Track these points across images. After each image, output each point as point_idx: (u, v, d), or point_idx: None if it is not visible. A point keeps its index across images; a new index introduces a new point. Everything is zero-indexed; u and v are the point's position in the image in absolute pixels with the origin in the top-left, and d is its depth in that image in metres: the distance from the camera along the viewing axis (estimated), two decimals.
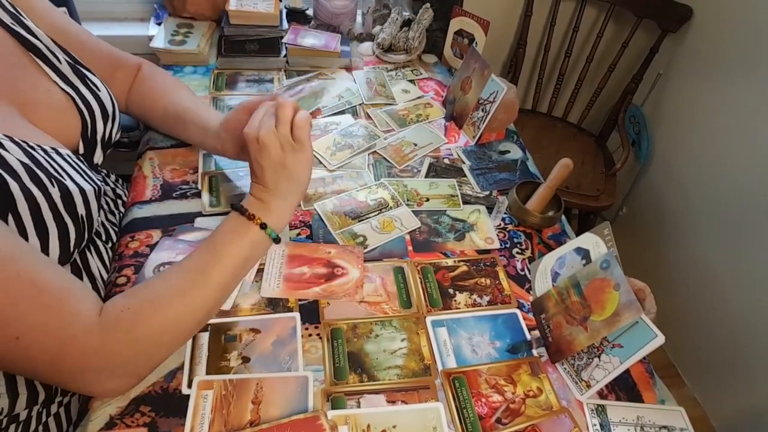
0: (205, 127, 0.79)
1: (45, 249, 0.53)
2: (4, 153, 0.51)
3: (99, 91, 0.69)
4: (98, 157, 0.71)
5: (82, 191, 0.58)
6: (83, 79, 0.68)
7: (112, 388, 0.55)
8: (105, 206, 0.77)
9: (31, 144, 0.56)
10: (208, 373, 0.60)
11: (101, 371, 0.52)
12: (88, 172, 0.63)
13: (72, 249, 0.57)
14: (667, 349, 1.63)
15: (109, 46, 0.80)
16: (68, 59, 0.67)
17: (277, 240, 0.64)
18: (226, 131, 0.76)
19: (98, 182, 0.64)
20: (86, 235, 0.60)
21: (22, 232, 0.51)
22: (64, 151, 0.61)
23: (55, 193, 0.54)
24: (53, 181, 0.55)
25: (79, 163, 0.63)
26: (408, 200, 0.88)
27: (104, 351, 0.51)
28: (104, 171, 0.85)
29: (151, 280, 0.59)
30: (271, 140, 0.61)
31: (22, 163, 0.52)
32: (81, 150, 0.67)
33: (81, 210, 0.58)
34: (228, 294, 0.62)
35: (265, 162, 0.62)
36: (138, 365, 0.56)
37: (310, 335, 0.66)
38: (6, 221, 0.49)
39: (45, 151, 0.57)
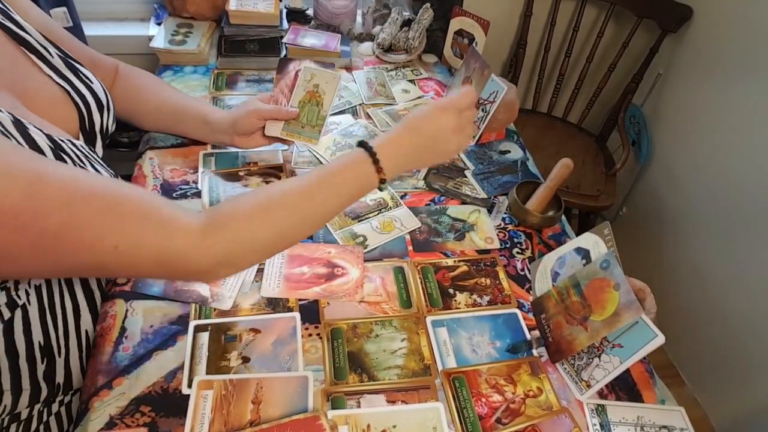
0: (207, 122, 0.85)
1: None
2: (32, 134, 0.52)
3: (92, 83, 0.70)
4: (99, 149, 0.72)
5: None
6: (76, 72, 0.68)
7: (222, 274, 0.56)
8: None
9: (47, 132, 0.56)
10: (208, 373, 0.60)
11: (206, 261, 0.52)
12: (101, 161, 0.65)
13: None
14: (667, 349, 1.63)
15: (87, 47, 0.81)
16: (59, 53, 0.67)
17: (381, 186, 0.65)
18: (237, 131, 0.83)
19: (110, 171, 0.65)
20: None
21: None
22: (78, 143, 0.62)
23: None
24: (77, 166, 0.56)
25: (92, 154, 0.64)
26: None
27: (207, 246, 0.52)
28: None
29: (264, 188, 0.60)
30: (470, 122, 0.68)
31: (48, 145, 0.53)
32: (81, 141, 0.68)
33: None
34: (327, 220, 0.64)
35: (444, 129, 0.65)
36: (244, 259, 0.56)
37: (310, 335, 0.66)
38: None
39: (63, 141, 0.58)
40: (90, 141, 0.69)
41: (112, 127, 0.75)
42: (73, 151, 0.58)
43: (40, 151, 0.52)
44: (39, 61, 0.64)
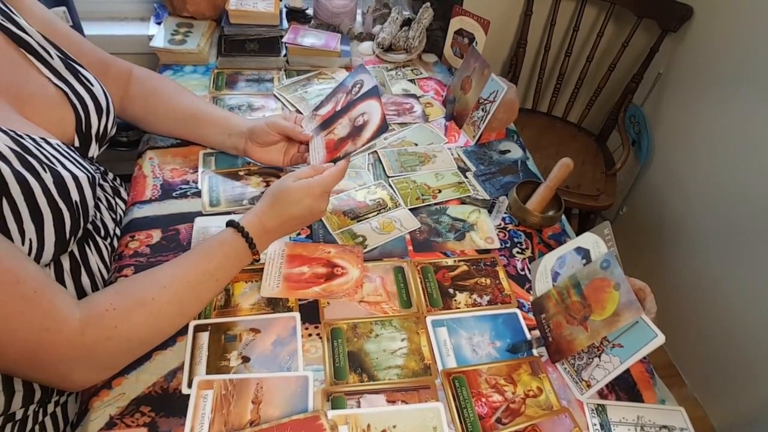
0: (227, 127, 0.85)
1: (41, 234, 0.53)
2: None
3: (92, 86, 0.69)
4: (93, 151, 0.71)
5: (75, 177, 0.58)
6: (76, 74, 0.68)
7: (85, 380, 0.55)
8: (104, 201, 0.77)
9: (19, 133, 0.56)
10: (208, 372, 0.60)
11: (76, 363, 0.52)
12: (80, 161, 0.63)
13: (68, 236, 0.57)
14: (667, 349, 1.63)
15: (99, 49, 0.80)
16: (60, 55, 0.67)
17: (256, 260, 0.69)
18: (254, 141, 0.82)
19: (91, 171, 0.64)
20: (81, 223, 0.60)
21: (17, 217, 0.51)
22: (54, 141, 0.61)
23: (47, 178, 0.54)
24: (45, 167, 0.55)
25: (70, 152, 0.63)
26: (423, 195, 0.88)
27: (83, 346, 0.51)
28: (101, 168, 0.85)
29: (140, 280, 0.59)
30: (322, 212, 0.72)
31: (12, 149, 0.52)
32: (76, 144, 0.67)
33: (75, 196, 0.58)
34: (206, 305, 0.67)
35: (300, 216, 0.70)
36: (116, 361, 0.57)
37: (310, 335, 0.66)
38: (0, 206, 0.49)
39: (34, 140, 0.57)
40: (85, 144, 0.69)
41: (111, 131, 0.74)
42: (41, 151, 0.56)
43: (2, 157, 0.51)
44: (38, 62, 0.64)
